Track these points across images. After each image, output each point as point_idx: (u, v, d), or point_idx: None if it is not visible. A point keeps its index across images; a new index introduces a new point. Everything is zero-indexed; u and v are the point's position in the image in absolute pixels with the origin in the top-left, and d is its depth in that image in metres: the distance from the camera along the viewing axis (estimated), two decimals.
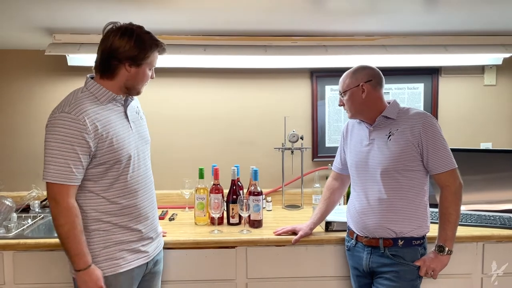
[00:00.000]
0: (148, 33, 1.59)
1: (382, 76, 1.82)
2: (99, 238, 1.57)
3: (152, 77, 1.66)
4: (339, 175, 2.04)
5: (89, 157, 1.50)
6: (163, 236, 2.01)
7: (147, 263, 1.68)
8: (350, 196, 1.92)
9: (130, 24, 1.57)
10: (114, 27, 1.55)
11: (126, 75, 1.57)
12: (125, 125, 1.62)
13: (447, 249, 1.73)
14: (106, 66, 1.55)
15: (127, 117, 1.63)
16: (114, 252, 1.58)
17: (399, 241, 1.75)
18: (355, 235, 1.85)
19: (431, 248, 1.78)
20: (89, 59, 2.35)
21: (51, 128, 1.47)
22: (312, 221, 2.04)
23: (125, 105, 1.64)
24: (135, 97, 1.75)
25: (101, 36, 2.19)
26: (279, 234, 2.04)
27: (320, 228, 2.13)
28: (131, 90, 1.62)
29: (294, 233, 2.03)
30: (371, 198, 1.78)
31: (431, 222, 1.83)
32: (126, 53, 1.52)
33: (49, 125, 1.48)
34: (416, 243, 1.76)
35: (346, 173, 1.97)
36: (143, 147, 1.69)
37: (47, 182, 1.47)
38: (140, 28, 1.58)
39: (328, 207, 2.05)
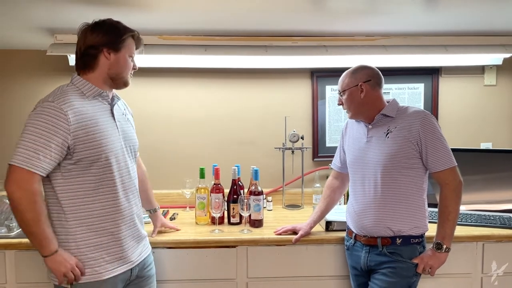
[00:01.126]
0: (119, 22, 1.61)
1: (382, 76, 1.83)
2: (79, 242, 1.52)
3: (135, 68, 1.65)
4: (339, 174, 2.05)
5: (63, 150, 1.46)
6: (177, 230, 2.08)
7: (131, 269, 1.63)
8: (349, 195, 1.93)
9: (100, 19, 1.60)
10: (86, 25, 1.58)
11: (107, 64, 1.56)
12: (111, 123, 1.59)
13: (445, 246, 1.73)
14: (86, 58, 1.55)
15: (113, 115, 1.61)
16: (95, 258, 1.54)
17: (397, 239, 1.75)
18: (353, 234, 1.86)
19: (430, 247, 1.79)
20: None
21: (32, 115, 1.46)
22: (312, 220, 2.05)
23: (112, 104, 1.62)
24: (122, 100, 1.74)
25: None
26: (279, 234, 2.05)
27: (321, 227, 2.14)
28: (116, 81, 1.60)
29: (294, 232, 2.04)
30: (369, 196, 1.79)
31: (430, 222, 1.84)
32: (101, 40, 1.54)
33: (31, 113, 1.47)
34: (415, 241, 1.76)
35: (346, 171, 1.98)
36: (128, 148, 1.65)
37: (10, 165, 1.42)
38: (110, 19, 1.60)
39: (328, 206, 2.06)
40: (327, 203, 2.06)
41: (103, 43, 1.54)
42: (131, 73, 1.64)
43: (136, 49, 1.65)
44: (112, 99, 1.63)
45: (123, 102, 1.77)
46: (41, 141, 1.42)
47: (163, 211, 2.45)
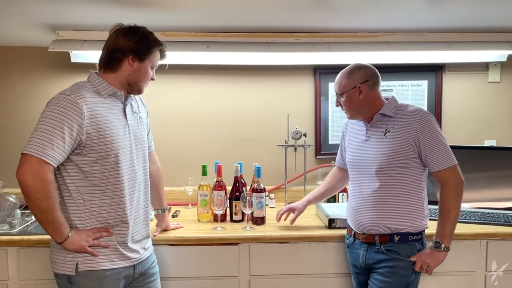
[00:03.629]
0: (151, 33, 1.64)
1: (379, 74, 1.81)
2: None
3: (153, 78, 1.68)
4: (343, 169, 2.05)
5: (75, 143, 1.48)
6: (180, 227, 2.10)
7: (134, 266, 1.66)
8: (348, 193, 1.93)
9: (135, 25, 1.63)
10: (120, 27, 1.61)
11: (129, 70, 1.60)
12: (122, 122, 1.62)
13: (443, 245, 1.72)
14: (110, 59, 1.59)
15: (125, 115, 1.64)
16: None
17: (395, 236, 1.74)
18: (353, 232, 1.86)
19: (430, 244, 1.77)
20: (92, 55, 2.35)
21: (47, 107, 1.49)
22: (307, 199, 2.10)
23: (125, 103, 1.64)
24: (138, 97, 1.77)
25: (104, 33, 2.20)
26: (280, 218, 2.11)
27: (323, 225, 2.13)
28: (133, 87, 1.64)
29: (292, 211, 2.11)
30: (366, 194, 1.78)
31: (431, 219, 1.83)
32: (130, 47, 1.57)
33: (47, 104, 1.50)
34: (413, 239, 1.75)
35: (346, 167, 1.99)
36: (136, 147, 1.67)
37: (24, 154, 1.43)
38: (144, 28, 1.63)
39: (327, 191, 2.11)
40: (326, 188, 2.10)
41: (130, 50, 1.58)
42: (147, 83, 1.68)
43: (160, 59, 1.70)
44: (126, 98, 1.66)
45: (139, 98, 1.80)
46: (55, 132, 1.45)
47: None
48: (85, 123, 1.48)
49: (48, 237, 1.93)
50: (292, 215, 2.10)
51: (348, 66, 1.83)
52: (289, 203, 2.46)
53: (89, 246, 1.54)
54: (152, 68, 1.66)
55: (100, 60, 1.62)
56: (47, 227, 1.50)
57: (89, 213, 1.56)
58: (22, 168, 1.44)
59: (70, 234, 1.52)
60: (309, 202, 2.10)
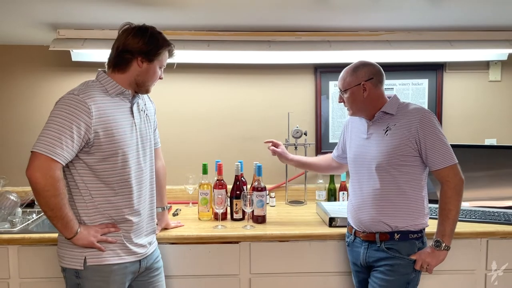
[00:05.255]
0: (160, 33, 1.65)
1: (383, 72, 1.81)
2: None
3: (161, 77, 1.69)
4: (335, 161, 2.12)
5: (83, 142, 1.51)
6: (180, 226, 2.11)
7: (140, 261, 1.69)
8: (349, 191, 1.93)
9: (144, 24, 1.64)
10: (129, 26, 1.62)
11: (137, 70, 1.61)
12: (129, 121, 1.63)
13: (444, 244, 1.72)
14: (119, 60, 1.60)
15: (132, 113, 1.65)
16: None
17: (396, 234, 1.74)
18: (353, 230, 1.86)
19: (431, 243, 1.77)
20: (93, 54, 2.35)
21: (56, 106, 1.51)
22: (293, 156, 2.16)
23: (132, 102, 1.66)
24: (149, 98, 1.80)
25: (105, 32, 2.20)
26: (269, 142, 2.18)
27: (324, 223, 2.13)
28: (140, 87, 1.65)
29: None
30: (366, 192, 1.79)
31: (431, 218, 1.83)
32: (139, 48, 1.58)
33: (56, 104, 1.52)
34: (414, 237, 1.75)
35: (341, 161, 2.06)
36: (143, 145, 1.69)
37: (33, 152, 1.46)
38: (153, 28, 1.64)
39: (311, 164, 2.19)
40: (312, 162, 2.19)
41: (140, 51, 1.59)
42: (155, 82, 1.69)
43: (168, 58, 1.71)
44: (133, 97, 1.67)
45: (147, 96, 1.81)
46: (64, 131, 1.47)
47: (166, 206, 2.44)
48: (93, 122, 1.50)
49: (49, 235, 1.97)
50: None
51: (353, 63, 1.83)
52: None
53: (97, 242, 1.57)
54: (160, 68, 1.67)
55: (109, 60, 1.63)
56: (57, 223, 1.52)
57: (97, 210, 1.59)
58: (31, 166, 1.46)
59: (79, 230, 1.54)
60: (292, 159, 2.15)
